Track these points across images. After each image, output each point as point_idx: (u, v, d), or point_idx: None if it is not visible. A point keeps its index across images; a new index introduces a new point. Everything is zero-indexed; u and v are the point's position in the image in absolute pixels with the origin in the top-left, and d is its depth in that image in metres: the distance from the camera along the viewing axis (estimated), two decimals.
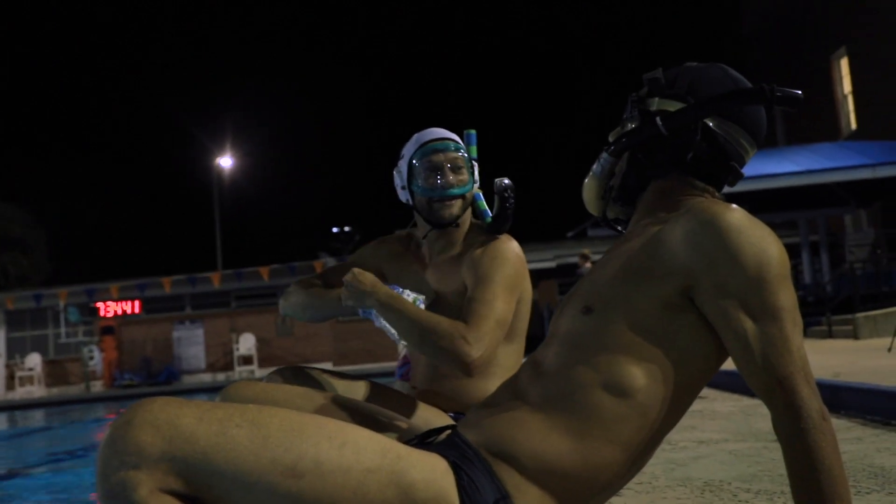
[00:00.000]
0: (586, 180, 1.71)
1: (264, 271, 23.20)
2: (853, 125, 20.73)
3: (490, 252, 2.20)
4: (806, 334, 13.59)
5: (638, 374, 1.39)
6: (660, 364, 1.40)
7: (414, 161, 2.31)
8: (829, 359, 7.67)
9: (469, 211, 2.38)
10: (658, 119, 1.55)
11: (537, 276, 23.68)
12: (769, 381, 1.31)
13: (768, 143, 25.24)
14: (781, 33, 24.35)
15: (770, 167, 15.09)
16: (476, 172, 2.37)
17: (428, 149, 2.29)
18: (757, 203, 16.50)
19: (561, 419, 1.40)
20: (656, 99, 1.60)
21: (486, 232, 2.29)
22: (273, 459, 1.23)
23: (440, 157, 2.28)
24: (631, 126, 1.62)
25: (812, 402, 1.28)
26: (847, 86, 21.04)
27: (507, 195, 2.25)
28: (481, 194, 2.42)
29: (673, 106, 1.57)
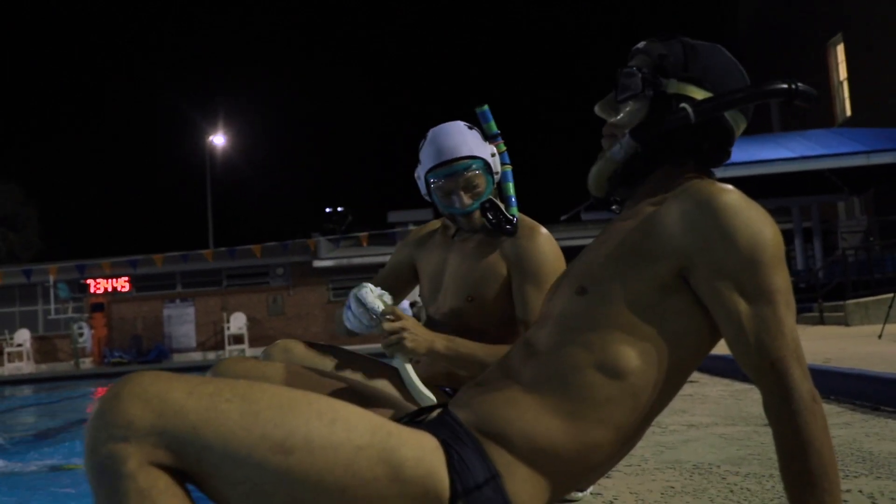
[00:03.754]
0: (601, 162, 1.62)
1: (257, 249, 23.17)
2: (848, 112, 20.75)
3: (530, 245, 2.27)
4: (797, 320, 13.57)
5: (631, 355, 1.39)
6: (653, 345, 1.40)
7: (430, 179, 2.32)
8: (819, 345, 7.70)
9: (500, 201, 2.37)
10: (688, 108, 1.48)
11: None
12: (761, 363, 1.31)
13: (763, 129, 25.26)
14: (778, 19, 24.32)
15: (764, 153, 15.08)
16: (496, 156, 2.34)
17: (439, 174, 2.29)
18: (750, 189, 16.35)
19: (553, 400, 1.40)
20: (673, 81, 1.52)
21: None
22: (263, 435, 1.22)
23: (452, 182, 2.28)
24: (632, 103, 1.56)
25: (803, 385, 1.28)
26: (843, 72, 21.04)
27: (488, 215, 2.27)
28: (510, 173, 2.39)
29: (695, 93, 1.51)
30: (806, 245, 19.38)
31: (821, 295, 13.43)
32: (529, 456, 1.38)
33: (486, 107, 2.38)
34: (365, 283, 2.19)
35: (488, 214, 2.27)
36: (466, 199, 2.29)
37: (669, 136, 1.52)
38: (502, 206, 2.31)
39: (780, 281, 1.34)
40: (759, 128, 25.68)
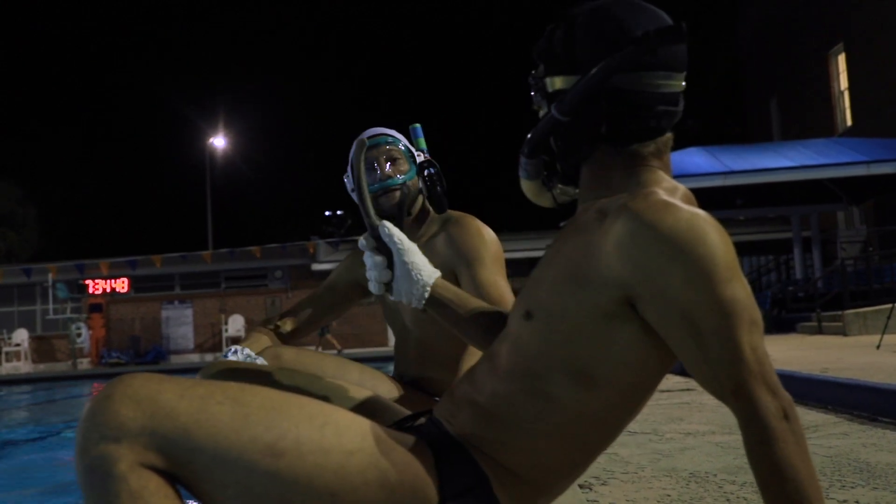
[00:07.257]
0: (521, 184, 1.61)
1: (256, 251, 23.20)
2: (849, 121, 20.76)
3: (463, 231, 2.24)
4: (796, 330, 13.65)
5: (578, 386, 1.35)
6: (600, 374, 1.34)
7: (353, 156, 2.34)
8: (817, 355, 7.70)
9: (420, 199, 2.40)
10: (553, 109, 1.41)
11: (529, 266, 23.74)
12: (722, 391, 1.22)
13: (763, 137, 25.26)
14: (779, 29, 24.36)
15: (764, 162, 15.10)
16: (422, 158, 2.39)
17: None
18: (750, 198, 16.53)
19: (512, 419, 1.39)
20: (549, 79, 1.46)
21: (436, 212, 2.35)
22: (253, 437, 1.22)
23: (374, 152, 2.33)
24: (541, 112, 1.50)
25: (769, 407, 1.17)
26: (843, 82, 21.05)
27: (426, 175, 2.32)
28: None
29: (565, 83, 1.42)
30: (805, 254, 19.39)
31: (819, 304, 13.43)
32: (513, 463, 1.38)
33: (417, 125, 2.45)
34: (229, 348, 2.21)
35: (425, 173, 2.31)
36: (388, 170, 2.32)
37: (563, 135, 1.45)
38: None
39: (734, 298, 1.21)
40: (760, 137, 25.71)
